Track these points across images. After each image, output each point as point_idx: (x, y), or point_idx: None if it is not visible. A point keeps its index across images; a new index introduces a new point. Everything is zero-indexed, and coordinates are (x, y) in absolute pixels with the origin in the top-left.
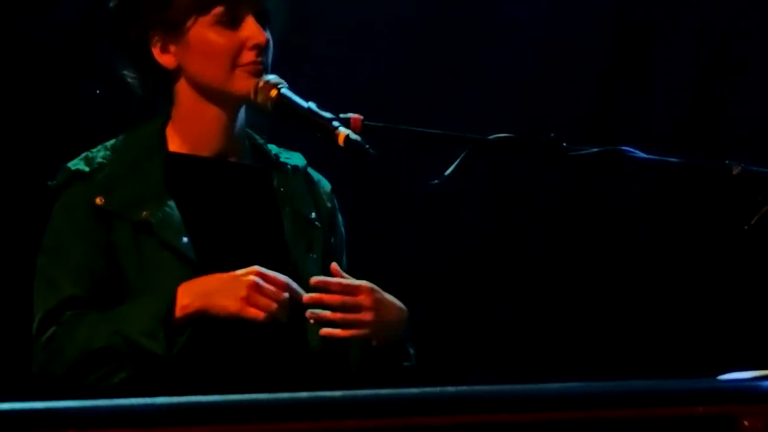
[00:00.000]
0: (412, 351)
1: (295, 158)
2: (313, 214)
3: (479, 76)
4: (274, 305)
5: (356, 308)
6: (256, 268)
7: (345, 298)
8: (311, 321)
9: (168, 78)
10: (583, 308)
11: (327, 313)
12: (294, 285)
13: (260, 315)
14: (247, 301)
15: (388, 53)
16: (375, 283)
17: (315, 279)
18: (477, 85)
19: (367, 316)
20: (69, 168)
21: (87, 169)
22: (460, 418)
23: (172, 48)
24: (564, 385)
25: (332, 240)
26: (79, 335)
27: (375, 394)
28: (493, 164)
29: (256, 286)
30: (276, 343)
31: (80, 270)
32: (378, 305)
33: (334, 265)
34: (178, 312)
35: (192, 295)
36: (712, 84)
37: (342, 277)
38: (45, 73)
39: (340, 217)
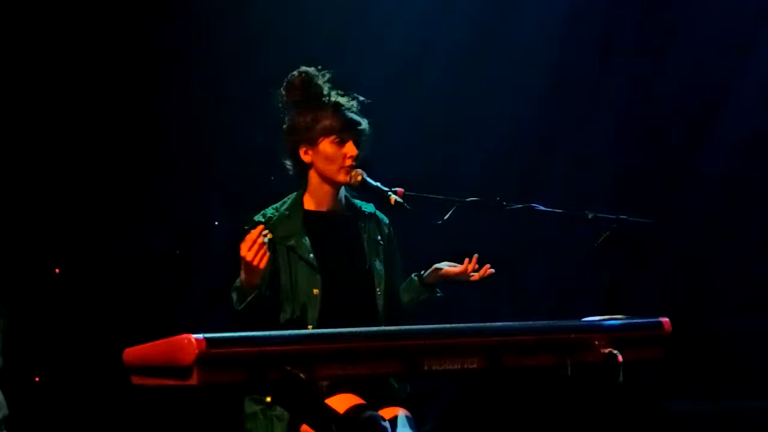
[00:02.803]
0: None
1: (367, 206)
2: (379, 237)
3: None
4: None
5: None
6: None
7: (469, 266)
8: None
9: (306, 167)
10: None
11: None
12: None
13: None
14: None
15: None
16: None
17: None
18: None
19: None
20: (254, 219)
21: (263, 219)
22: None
23: (310, 152)
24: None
25: (390, 248)
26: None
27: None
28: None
29: None
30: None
31: None
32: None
33: (475, 256)
34: None
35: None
36: None
37: (470, 261)
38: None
39: (394, 236)
